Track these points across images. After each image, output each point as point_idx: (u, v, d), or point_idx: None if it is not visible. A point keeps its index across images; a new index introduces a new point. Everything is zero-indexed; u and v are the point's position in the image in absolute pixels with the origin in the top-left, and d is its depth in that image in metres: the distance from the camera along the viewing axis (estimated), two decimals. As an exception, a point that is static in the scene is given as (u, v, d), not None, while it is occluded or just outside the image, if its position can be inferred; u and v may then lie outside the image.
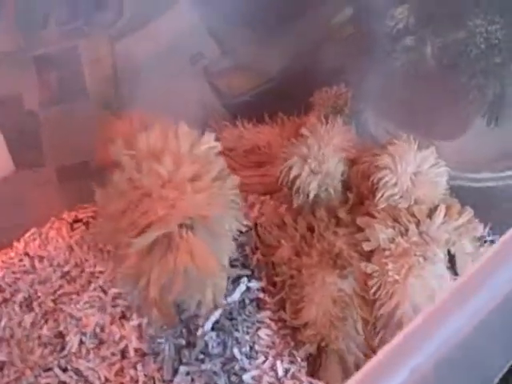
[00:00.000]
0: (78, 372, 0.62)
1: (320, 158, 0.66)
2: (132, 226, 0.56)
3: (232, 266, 0.70)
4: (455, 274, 0.64)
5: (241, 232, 0.73)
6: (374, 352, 0.62)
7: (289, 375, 0.61)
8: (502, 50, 0.70)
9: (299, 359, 0.62)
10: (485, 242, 0.71)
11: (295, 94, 0.85)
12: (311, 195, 0.66)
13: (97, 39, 0.81)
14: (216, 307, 0.61)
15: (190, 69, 0.88)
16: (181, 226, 0.55)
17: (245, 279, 0.68)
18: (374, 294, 0.62)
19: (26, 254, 0.74)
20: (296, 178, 0.67)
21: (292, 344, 0.63)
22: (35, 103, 0.78)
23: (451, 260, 0.64)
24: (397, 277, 0.61)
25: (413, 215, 0.65)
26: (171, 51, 0.85)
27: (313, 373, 0.62)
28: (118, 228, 0.59)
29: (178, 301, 0.58)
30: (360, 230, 0.65)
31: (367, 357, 0.62)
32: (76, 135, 0.79)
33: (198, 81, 0.90)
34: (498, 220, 0.71)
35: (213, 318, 0.64)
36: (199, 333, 0.64)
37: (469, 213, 0.66)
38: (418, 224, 0.64)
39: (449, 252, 0.64)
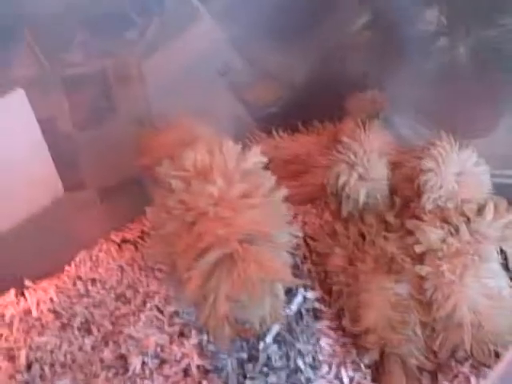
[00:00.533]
0: (144, 392, 0.63)
1: (366, 164, 0.67)
2: (190, 249, 0.56)
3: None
4: (508, 270, 0.64)
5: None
6: (435, 355, 0.63)
7: (354, 383, 0.61)
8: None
9: (363, 366, 0.63)
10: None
11: (324, 101, 0.85)
12: (361, 201, 0.67)
13: (123, 59, 0.81)
14: (277, 320, 0.62)
15: (218, 83, 0.89)
16: (241, 242, 0.55)
17: (301, 290, 0.68)
18: (431, 296, 0.62)
19: (79, 277, 0.75)
20: (345, 185, 0.67)
21: (354, 351, 0.64)
22: (69, 125, 0.79)
23: (504, 257, 0.64)
24: (452, 277, 0.62)
25: (462, 214, 0.65)
26: (197, 67, 0.85)
27: (377, 379, 0.62)
28: (173, 251, 0.59)
29: (241, 320, 0.59)
30: (409, 233, 0.66)
31: (428, 360, 0.63)
32: (112, 154, 0.80)
33: (226, 95, 0.91)
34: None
35: (273, 331, 0.65)
36: (261, 346, 0.64)
37: (517, 208, 0.67)
38: (468, 223, 0.64)
39: (501, 249, 0.64)
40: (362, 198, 0.67)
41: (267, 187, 0.60)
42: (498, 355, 0.61)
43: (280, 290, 0.58)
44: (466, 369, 0.61)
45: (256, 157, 0.62)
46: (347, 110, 0.82)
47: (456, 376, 0.61)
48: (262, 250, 0.55)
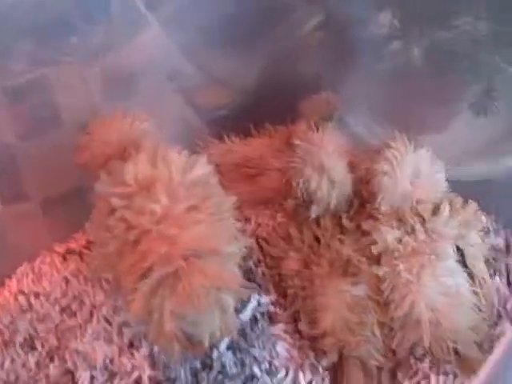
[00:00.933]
0: (94, 409, 0.59)
1: (332, 167, 0.65)
2: (133, 269, 0.53)
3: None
4: (466, 267, 0.64)
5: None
6: (394, 354, 0.62)
7: (312, 387, 0.59)
8: (488, 46, 0.71)
9: (321, 369, 0.61)
10: (489, 232, 0.71)
11: (276, 103, 0.84)
12: (332, 206, 0.65)
13: (67, 66, 0.78)
14: (228, 334, 0.59)
15: (167, 88, 0.87)
16: (186, 257, 0.52)
17: (255, 294, 0.66)
18: (388, 296, 0.61)
19: (21, 291, 0.71)
20: (317, 189, 0.65)
21: (311, 355, 0.62)
22: (11, 135, 0.75)
23: (461, 254, 0.64)
24: (409, 277, 0.60)
25: (417, 214, 0.64)
26: (145, 72, 0.83)
27: (335, 381, 0.61)
28: (116, 268, 0.56)
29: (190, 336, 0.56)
30: (365, 234, 0.65)
31: (387, 359, 0.61)
32: (56, 165, 0.77)
33: (176, 99, 0.88)
34: (499, 209, 0.71)
35: (227, 339, 0.62)
36: (215, 354, 0.61)
37: (472, 205, 0.66)
38: (423, 222, 0.64)
39: (457, 247, 0.64)
40: (333, 203, 0.65)
41: (214, 199, 0.58)
42: (456, 352, 0.60)
43: (228, 303, 0.55)
44: (425, 365, 0.60)
45: (203, 168, 0.60)
46: (300, 112, 0.81)
47: (415, 373, 0.60)
48: (207, 262, 0.53)
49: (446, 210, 0.64)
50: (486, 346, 0.61)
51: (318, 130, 0.74)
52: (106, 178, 0.57)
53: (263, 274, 0.69)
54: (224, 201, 0.58)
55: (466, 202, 0.67)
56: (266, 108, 0.86)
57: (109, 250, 0.55)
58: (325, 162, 0.65)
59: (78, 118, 0.79)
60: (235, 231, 0.59)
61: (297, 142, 0.75)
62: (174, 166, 0.57)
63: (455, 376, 0.59)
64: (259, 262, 0.70)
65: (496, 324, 0.63)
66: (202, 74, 0.90)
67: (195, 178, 0.58)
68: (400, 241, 0.63)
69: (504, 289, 0.66)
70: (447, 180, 0.67)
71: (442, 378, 0.59)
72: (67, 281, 0.71)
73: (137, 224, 0.53)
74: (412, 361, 0.61)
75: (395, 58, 0.82)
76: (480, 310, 0.62)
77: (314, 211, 0.67)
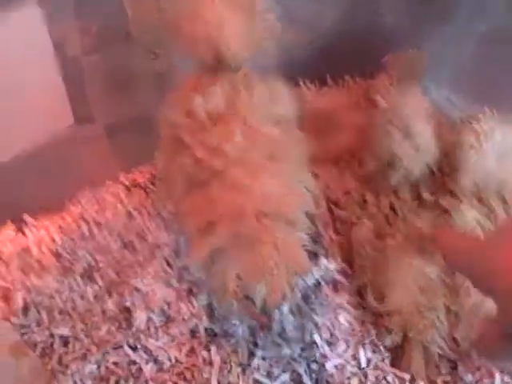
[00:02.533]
0: (147, 351, 0.59)
1: (419, 133, 0.61)
2: (199, 213, 0.51)
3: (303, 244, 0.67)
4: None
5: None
6: (456, 343, 0.60)
7: (371, 365, 0.58)
8: None
9: (382, 348, 0.59)
10: None
11: (356, 53, 0.79)
12: (414, 174, 0.62)
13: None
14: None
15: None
16: (258, 217, 0.50)
17: (323, 259, 0.64)
18: (460, 282, 0.59)
19: (84, 219, 0.70)
20: (400, 154, 0.62)
21: (373, 331, 0.60)
22: (78, 48, 0.72)
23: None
24: (486, 265, 0.58)
25: (499, 195, 0.61)
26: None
27: (395, 363, 0.59)
28: (181, 208, 0.54)
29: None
30: (444, 211, 0.62)
31: (451, 349, 0.59)
32: (124, 87, 0.74)
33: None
34: None
35: (290, 301, 0.61)
36: (276, 315, 0.60)
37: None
38: (505, 204, 0.60)
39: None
40: (416, 172, 0.62)
41: (293, 148, 0.54)
42: (523, 351, 0.58)
43: (295, 281, 0.54)
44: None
45: (284, 107, 0.56)
46: (383, 67, 0.76)
47: (478, 369, 0.59)
48: (280, 230, 0.50)
49: (531, 195, 0.61)
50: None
51: (400, 88, 0.70)
52: (174, 105, 0.54)
53: (331, 239, 0.67)
54: (303, 151, 0.56)
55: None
56: (345, 57, 0.81)
57: (176, 187, 0.53)
58: (411, 125, 0.62)
59: (148, 38, 0.75)
60: (311, 187, 0.56)
61: (379, 98, 0.71)
62: (257, 99, 0.53)
63: (520, 376, 0.57)
64: (327, 224, 0.68)
65: None
66: (280, 11, 0.85)
67: (277, 116, 0.55)
68: (479, 223, 0.60)
69: None
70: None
71: (506, 377, 0.57)
72: (130, 215, 0.70)
73: (208, 163, 0.51)
74: (475, 355, 0.59)
75: (496, 20, 0.76)
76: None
77: (395, 178, 0.64)
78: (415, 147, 0.61)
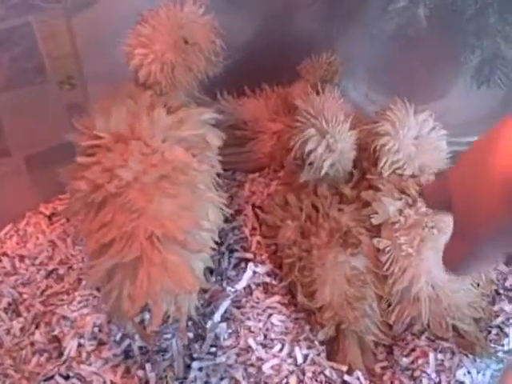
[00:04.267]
0: (81, 378, 0.57)
1: (337, 134, 0.62)
2: (94, 236, 0.50)
3: (231, 250, 0.67)
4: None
5: (237, 213, 0.70)
6: (391, 329, 0.61)
7: (308, 361, 0.58)
8: (495, 10, 0.68)
9: (317, 343, 0.59)
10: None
11: (272, 63, 0.80)
12: (322, 172, 0.63)
13: (51, 13, 0.73)
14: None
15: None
16: (150, 238, 0.49)
17: (251, 264, 0.64)
18: (387, 269, 0.60)
19: (5, 253, 0.68)
20: (311, 152, 0.63)
21: (307, 327, 0.60)
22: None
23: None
24: (410, 250, 0.59)
25: (420, 185, 0.62)
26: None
27: (331, 356, 0.59)
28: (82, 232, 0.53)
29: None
30: (366, 204, 0.63)
31: (384, 334, 0.60)
32: (40, 119, 0.73)
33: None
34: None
35: (221, 309, 0.61)
36: (208, 325, 0.60)
37: (476, 178, 0.64)
38: (425, 193, 0.62)
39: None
40: (324, 169, 0.63)
41: (192, 171, 0.53)
42: (455, 329, 0.59)
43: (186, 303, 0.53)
44: (422, 343, 0.59)
45: (193, 127, 0.56)
46: (299, 73, 0.77)
47: (413, 350, 0.59)
48: (171, 253, 0.49)
49: (449, 182, 0.62)
50: (484, 323, 0.60)
51: (318, 92, 0.71)
52: (80, 128, 0.54)
53: (258, 243, 0.67)
54: (206, 171, 0.55)
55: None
56: (261, 67, 0.82)
57: (74, 210, 0.52)
58: (327, 127, 0.63)
59: (62, 70, 0.75)
60: (216, 201, 0.56)
61: (297, 103, 0.72)
62: (160, 122, 0.53)
63: (453, 354, 0.58)
64: (254, 230, 0.68)
65: (494, 301, 0.62)
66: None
67: (183, 136, 0.54)
68: (401, 212, 0.61)
69: (503, 265, 0.65)
70: (449, 150, 0.65)
71: (439, 355, 0.58)
72: (54, 244, 0.68)
73: (102, 185, 0.50)
74: (409, 337, 0.60)
75: (400, 16, 0.78)
76: (479, 287, 0.61)
77: (305, 175, 0.64)
78: (327, 147, 0.62)
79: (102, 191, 0.50)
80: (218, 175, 0.58)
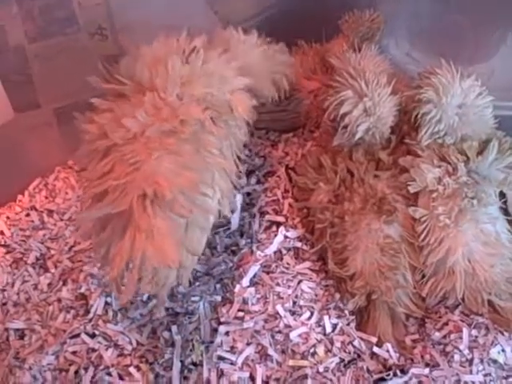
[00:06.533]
0: (106, 337, 0.57)
1: (376, 98, 0.59)
2: (91, 183, 0.49)
3: (262, 212, 0.65)
4: (508, 215, 0.59)
5: (270, 174, 0.68)
6: (424, 302, 0.59)
7: (337, 330, 0.56)
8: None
9: (347, 312, 0.58)
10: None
11: (310, 18, 0.77)
12: (357, 137, 0.60)
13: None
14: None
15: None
16: (142, 196, 0.47)
17: (282, 228, 0.62)
18: (423, 239, 0.57)
19: (33, 207, 0.67)
20: (345, 114, 0.60)
21: (337, 296, 0.59)
22: (20, 35, 0.69)
23: (504, 201, 0.59)
24: (447, 221, 0.57)
25: (461, 152, 0.59)
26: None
27: (361, 326, 0.58)
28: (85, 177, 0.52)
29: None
30: (403, 171, 0.60)
31: (417, 307, 0.58)
32: (71, 70, 0.71)
33: (199, 7, 0.81)
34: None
35: (251, 273, 0.59)
36: (237, 288, 0.59)
37: (521, 148, 0.61)
38: (467, 162, 0.59)
39: (501, 192, 0.59)
40: (359, 134, 0.60)
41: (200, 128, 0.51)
42: (490, 304, 0.57)
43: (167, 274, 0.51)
44: (456, 317, 0.57)
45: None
46: (339, 29, 0.73)
47: (446, 324, 0.57)
48: (160, 218, 0.47)
49: (493, 150, 0.59)
50: (522, 299, 0.58)
51: (359, 50, 0.68)
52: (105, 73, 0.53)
53: (290, 206, 0.65)
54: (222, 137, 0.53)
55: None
56: (298, 22, 0.79)
57: (81, 155, 0.52)
58: (366, 89, 0.60)
59: (93, 20, 0.73)
60: (221, 173, 0.53)
61: (334, 62, 0.69)
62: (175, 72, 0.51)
63: (487, 330, 0.56)
64: (286, 192, 0.67)
65: (534, 277, 0.60)
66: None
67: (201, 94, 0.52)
68: (440, 181, 0.58)
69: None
70: (495, 114, 0.62)
71: (473, 331, 0.56)
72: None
73: (108, 134, 0.49)
74: (442, 311, 0.58)
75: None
76: (518, 262, 0.58)
77: (338, 139, 0.62)
78: (364, 110, 0.59)
79: (107, 140, 0.49)
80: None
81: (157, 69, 0.51)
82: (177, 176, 0.48)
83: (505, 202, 0.59)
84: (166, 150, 0.48)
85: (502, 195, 0.59)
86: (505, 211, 0.59)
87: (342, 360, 0.55)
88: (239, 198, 0.64)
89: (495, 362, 0.54)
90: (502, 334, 0.55)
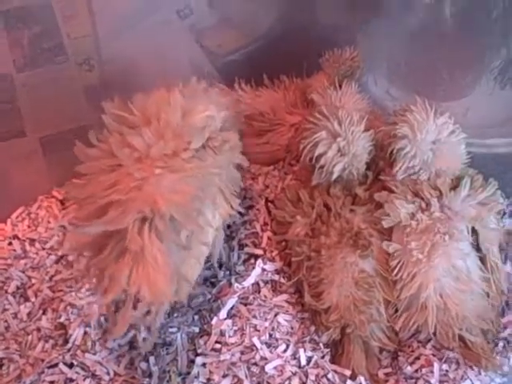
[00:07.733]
0: (84, 367, 0.58)
1: (349, 137, 0.61)
2: (91, 199, 0.51)
3: (241, 245, 0.66)
4: (479, 251, 0.61)
5: (250, 207, 0.69)
6: (397, 335, 0.60)
7: (312, 363, 0.57)
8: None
9: (321, 345, 0.59)
10: (504, 215, 0.68)
11: (292, 54, 0.79)
12: (334, 176, 0.62)
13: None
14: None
15: (177, 25, 0.81)
16: (141, 213, 0.49)
17: (260, 261, 0.63)
18: (397, 274, 0.59)
19: (15, 236, 0.68)
20: (321, 156, 0.62)
21: (312, 329, 0.60)
22: (9, 65, 0.70)
23: (476, 237, 0.61)
24: (420, 256, 0.58)
25: (435, 188, 0.61)
26: (155, 8, 0.77)
27: (335, 359, 0.59)
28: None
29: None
30: (378, 206, 0.61)
31: (390, 340, 0.60)
32: (58, 99, 0.73)
33: (186, 39, 0.83)
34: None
35: (228, 305, 0.60)
36: (214, 320, 0.60)
37: (493, 185, 0.62)
38: (440, 197, 0.60)
39: (473, 228, 0.61)
40: (335, 174, 0.62)
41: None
42: (461, 339, 0.58)
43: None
44: (428, 351, 0.59)
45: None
46: (321, 66, 0.75)
47: (418, 358, 0.59)
48: (156, 245, 0.49)
49: (466, 186, 0.60)
50: (491, 334, 0.60)
51: (339, 87, 0.70)
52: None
53: (269, 238, 0.66)
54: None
55: (487, 180, 0.63)
56: (281, 57, 0.81)
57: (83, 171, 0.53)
58: (339, 129, 0.62)
59: (81, 51, 0.74)
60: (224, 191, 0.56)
61: (316, 98, 0.71)
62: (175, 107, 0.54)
63: (458, 365, 0.57)
64: (266, 225, 0.68)
65: (504, 312, 0.61)
66: (215, 14, 0.84)
67: (195, 121, 0.54)
68: (413, 216, 0.60)
69: (514, 277, 0.64)
70: (467, 152, 0.64)
71: (444, 365, 0.57)
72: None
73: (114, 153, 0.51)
74: (415, 345, 0.60)
75: (425, 13, 0.76)
76: (489, 297, 0.60)
77: (316, 178, 0.63)
78: (339, 150, 0.61)
79: (113, 159, 0.51)
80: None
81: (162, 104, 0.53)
82: (173, 193, 0.50)
83: (476, 239, 0.61)
84: (169, 168, 0.50)
85: (474, 232, 0.61)
86: (476, 247, 0.61)
87: (316, 393, 0.56)
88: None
89: (465, 396, 0.56)
90: (472, 369, 0.57)
